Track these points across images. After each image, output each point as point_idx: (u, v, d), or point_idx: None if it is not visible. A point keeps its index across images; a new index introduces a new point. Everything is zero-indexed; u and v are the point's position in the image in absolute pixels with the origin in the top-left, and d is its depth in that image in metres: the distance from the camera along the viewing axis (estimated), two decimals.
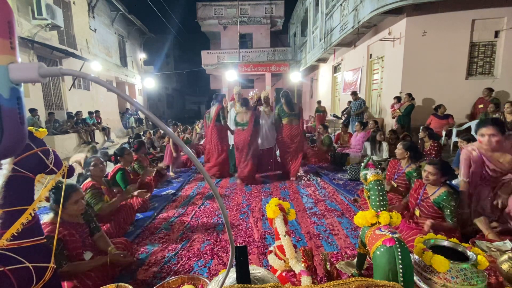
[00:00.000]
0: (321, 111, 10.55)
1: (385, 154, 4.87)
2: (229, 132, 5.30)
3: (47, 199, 1.88)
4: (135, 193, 3.14)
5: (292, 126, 4.79)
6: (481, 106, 5.94)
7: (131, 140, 6.18)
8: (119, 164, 3.50)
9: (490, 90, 5.87)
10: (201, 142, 7.76)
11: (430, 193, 2.37)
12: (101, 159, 2.87)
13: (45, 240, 1.41)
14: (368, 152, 5.16)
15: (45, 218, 1.84)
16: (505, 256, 1.64)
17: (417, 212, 2.50)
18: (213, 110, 5.01)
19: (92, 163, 2.76)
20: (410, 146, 3.10)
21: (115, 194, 2.99)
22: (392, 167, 3.35)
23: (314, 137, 7.57)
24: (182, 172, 5.51)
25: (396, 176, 3.21)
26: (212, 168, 5.08)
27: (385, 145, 4.99)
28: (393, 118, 6.63)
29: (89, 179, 2.72)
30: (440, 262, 1.39)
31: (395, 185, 3.15)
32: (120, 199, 2.85)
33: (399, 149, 3.15)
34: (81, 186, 2.60)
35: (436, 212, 2.32)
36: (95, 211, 2.58)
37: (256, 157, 4.83)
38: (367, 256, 1.89)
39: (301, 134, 4.90)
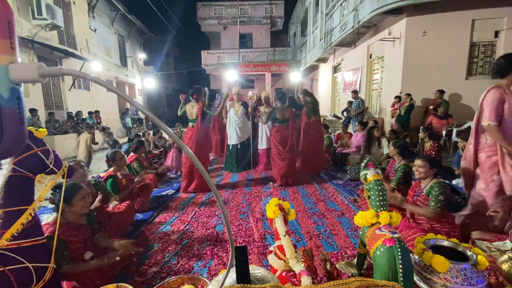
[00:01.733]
0: None
1: (385, 150, 4.86)
2: (229, 131, 5.33)
3: (52, 201, 1.88)
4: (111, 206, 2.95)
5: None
6: (431, 107, 6.28)
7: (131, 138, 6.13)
8: (110, 170, 3.30)
9: (442, 92, 6.18)
10: None
11: (423, 187, 2.44)
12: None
13: (45, 240, 1.41)
14: (367, 150, 5.19)
15: (49, 218, 1.84)
16: (505, 256, 1.64)
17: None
18: (195, 110, 4.14)
19: (118, 157, 2.74)
20: (400, 144, 3.25)
21: (100, 199, 2.86)
22: (390, 166, 3.47)
23: None
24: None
25: (390, 173, 3.34)
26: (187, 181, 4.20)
27: (384, 140, 4.98)
28: (392, 117, 6.63)
29: (112, 168, 2.68)
30: (440, 262, 1.39)
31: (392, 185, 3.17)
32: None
33: (390, 147, 3.35)
34: None
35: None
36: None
37: (295, 155, 4.73)
38: (367, 256, 1.89)
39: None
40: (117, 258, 1.94)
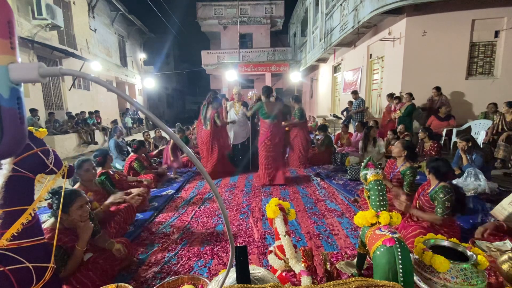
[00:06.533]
0: None
1: (382, 150, 4.85)
2: (229, 131, 5.34)
3: (50, 206, 1.86)
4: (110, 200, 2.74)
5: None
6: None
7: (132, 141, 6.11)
8: (100, 170, 3.23)
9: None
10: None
11: (430, 188, 2.40)
12: (94, 164, 2.70)
13: (45, 240, 1.41)
14: (363, 149, 5.19)
15: (46, 223, 1.82)
16: (505, 256, 1.64)
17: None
18: (209, 114, 4.86)
19: (84, 168, 2.57)
20: (409, 145, 3.11)
21: (107, 197, 2.80)
22: (389, 166, 3.35)
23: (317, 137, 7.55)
24: (182, 172, 5.51)
25: (392, 175, 3.22)
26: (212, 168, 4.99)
27: (379, 140, 4.98)
28: (394, 119, 6.60)
29: (78, 184, 2.58)
30: (440, 262, 1.39)
31: (391, 186, 3.12)
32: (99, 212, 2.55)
33: (397, 147, 3.13)
34: None
35: (432, 206, 2.33)
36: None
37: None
38: (367, 256, 1.89)
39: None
40: None
